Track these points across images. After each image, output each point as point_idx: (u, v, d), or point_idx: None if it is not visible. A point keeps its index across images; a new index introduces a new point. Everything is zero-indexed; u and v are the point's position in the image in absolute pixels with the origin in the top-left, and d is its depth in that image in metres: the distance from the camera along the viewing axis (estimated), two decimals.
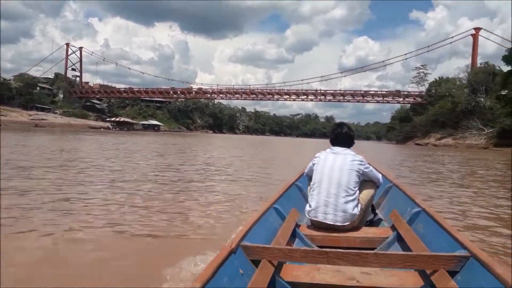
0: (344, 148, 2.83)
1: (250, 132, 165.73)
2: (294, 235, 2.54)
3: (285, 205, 2.80)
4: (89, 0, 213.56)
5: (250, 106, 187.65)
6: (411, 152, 30.91)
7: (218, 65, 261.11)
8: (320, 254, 1.81)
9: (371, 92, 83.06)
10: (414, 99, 79.69)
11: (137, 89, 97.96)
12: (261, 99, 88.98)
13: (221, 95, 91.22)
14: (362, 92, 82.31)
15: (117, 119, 76.66)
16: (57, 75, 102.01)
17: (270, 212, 2.55)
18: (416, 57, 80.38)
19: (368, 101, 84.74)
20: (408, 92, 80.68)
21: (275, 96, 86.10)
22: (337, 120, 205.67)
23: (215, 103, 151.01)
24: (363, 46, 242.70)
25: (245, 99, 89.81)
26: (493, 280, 1.43)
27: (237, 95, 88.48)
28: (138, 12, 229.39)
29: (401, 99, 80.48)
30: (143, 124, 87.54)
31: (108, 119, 76.70)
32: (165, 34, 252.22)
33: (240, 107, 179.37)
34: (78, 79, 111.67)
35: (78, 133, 36.92)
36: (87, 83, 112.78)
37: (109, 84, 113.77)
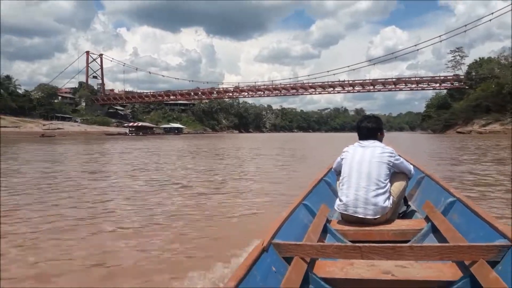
0: (373, 141, 2.74)
1: (277, 129, 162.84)
2: (325, 230, 2.49)
3: (314, 201, 2.76)
4: (117, 11, 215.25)
5: (277, 103, 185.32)
6: (459, 144, 26.09)
7: (244, 65, 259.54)
8: (354, 249, 1.79)
9: (404, 79, 76.94)
10: (452, 84, 73.34)
11: (159, 92, 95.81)
12: (285, 95, 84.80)
13: (243, 93, 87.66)
14: (394, 79, 76.41)
15: (135, 124, 74.51)
16: (81, 84, 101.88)
17: (300, 209, 2.52)
18: (447, 43, 73.88)
19: (401, 89, 78.76)
20: (444, 76, 74.18)
21: (300, 90, 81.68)
22: (368, 113, 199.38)
23: (240, 102, 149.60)
24: (391, 36, 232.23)
25: (268, 95, 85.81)
26: None
27: (259, 92, 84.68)
28: (164, 19, 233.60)
29: (437, 84, 74.19)
30: (164, 128, 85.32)
31: (126, 125, 74.56)
32: (191, 38, 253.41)
33: (266, 105, 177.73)
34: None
35: (88, 141, 34.21)
36: (112, 90, 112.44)
37: (139, 91, 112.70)
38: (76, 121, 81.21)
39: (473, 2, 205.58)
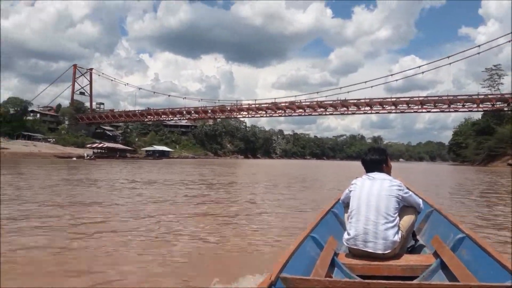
0: (381, 173, 2.76)
1: (288, 156, 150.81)
2: (333, 264, 2.45)
3: (322, 233, 2.73)
4: (140, 38, 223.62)
5: (290, 130, 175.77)
6: None
7: (262, 92, 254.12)
8: (362, 285, 1.80)
9: (434, 97, 63.63)
10: (493, 104, 59.79)
11: (148, 111, 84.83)
12: (290, 115, 72.43)
13: (242, 113, 75.72)
14: (421, 98, 63.22)
15: (103, 145, 62.71)
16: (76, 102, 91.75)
17: (307, 241, 2.51)
18: (465, 73, 61.62)
19: (428, 111, 65.46)
20: (485, 95, 60.79)
21: (307, 110, 69.14)
22: (386, 141, 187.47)
23: (248, 126, 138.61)
24: (410, 65, 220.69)
25: (271, 115, 73.71)
26: None
27: (261, 112, 72.59)
28: (185, 47, 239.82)
29: (475, 105, 60.63)
30: (146, 151, 73.50)
31: (89, 145, 62.64)
32: (211, 65, 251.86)
33: (277, 130, 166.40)
34: (100, 106, 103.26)
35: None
36: (112, 110, 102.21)
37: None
38: (49, 141, 70.27)
39: (495, 32, 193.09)
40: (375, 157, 2.82)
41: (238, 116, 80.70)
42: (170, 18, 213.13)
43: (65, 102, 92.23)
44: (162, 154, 74.76)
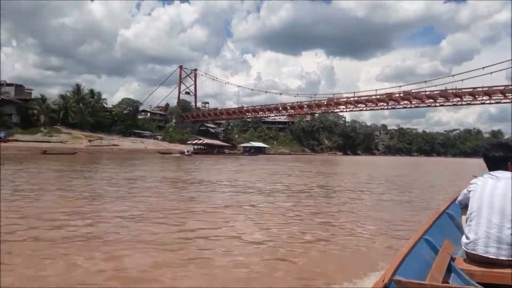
0: (506, 172, 2.50)
1: (391, 152, 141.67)
2: (449, 269, 2.33)
3: (436, 236, 2.63)
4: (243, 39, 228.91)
5: (394, 124, 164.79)
6: None
7: (364, 85, 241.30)
8: None
9: None
10: None
11: (246, 107, 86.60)
12: (393, 107, 67.05)
13: (340, 107, 72.57)
14: None
15: (202, 141, 65.37)
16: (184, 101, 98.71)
17: (421, 244, 2.43)
18: None
19: None
20: None
21: (414, 102, 63.16)
22: (506, 136, 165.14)
23: (348, 121, 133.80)
24: None
25: (371, 109, 69.22)
26: None
27: (360, 105, 68.64)
28: (286, 44, 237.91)
29: None
30: (244, 147, 74.90)
31: (189, 142, 65.69)
32: (311, 61, 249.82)
33: (380, 125, 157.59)
34: (206, 105, 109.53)
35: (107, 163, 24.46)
36: (215, 109, 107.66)
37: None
38: (156, 138, 75.97)
39: None
40: (500, 154, 2.54)
41: (336, 110, 77.71)
42: (272, 17, 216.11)
43: (175, 102, 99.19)
44: (258, 150, 75.70)
